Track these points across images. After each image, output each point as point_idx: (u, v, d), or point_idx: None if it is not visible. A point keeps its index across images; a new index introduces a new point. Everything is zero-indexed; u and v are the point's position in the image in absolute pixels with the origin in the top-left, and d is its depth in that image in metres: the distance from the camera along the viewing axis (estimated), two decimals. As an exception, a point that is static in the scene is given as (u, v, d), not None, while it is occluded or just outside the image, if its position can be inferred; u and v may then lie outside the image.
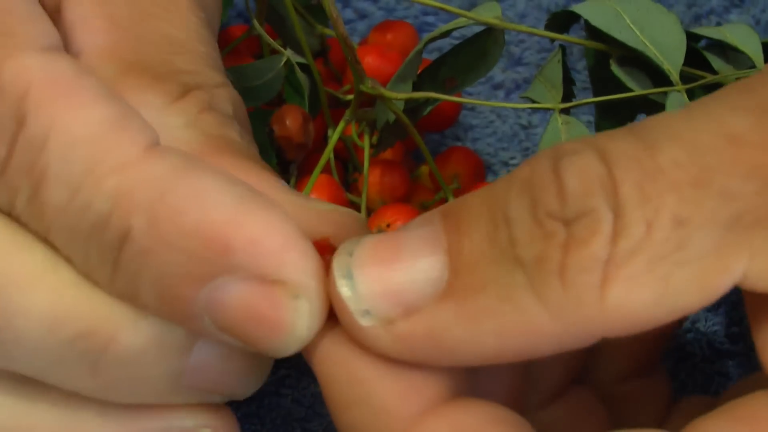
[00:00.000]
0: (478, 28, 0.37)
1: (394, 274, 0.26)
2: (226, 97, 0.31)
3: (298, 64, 0.41)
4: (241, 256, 0.26)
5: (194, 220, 0.26)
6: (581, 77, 0.45)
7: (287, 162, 0.41)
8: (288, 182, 0.41)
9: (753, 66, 0.36)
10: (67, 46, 0.31)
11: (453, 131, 0.47)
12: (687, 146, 0.25)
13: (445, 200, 0.41)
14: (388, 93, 0.37)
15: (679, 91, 0.35)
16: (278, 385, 0.40)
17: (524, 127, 0.47)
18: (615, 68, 0.34)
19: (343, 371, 0.27)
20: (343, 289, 0.26)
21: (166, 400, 0.29)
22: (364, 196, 0.41)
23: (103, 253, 0.26)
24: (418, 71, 0.38)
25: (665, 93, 0.35)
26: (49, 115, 0.26)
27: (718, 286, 0.25)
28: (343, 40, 0.35)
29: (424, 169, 0.44)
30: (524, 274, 0.25)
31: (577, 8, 0.36)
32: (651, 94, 0.35)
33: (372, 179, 0.42)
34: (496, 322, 0.25)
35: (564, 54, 0.37)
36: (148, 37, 0.31)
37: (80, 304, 0.27)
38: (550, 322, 0.25)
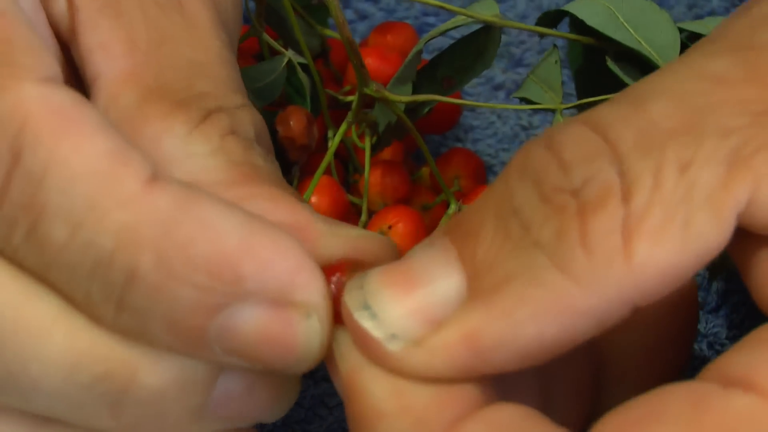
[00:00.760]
0: (477, 27, 0.37)
1: (413, 294, 0.26)
2: (248, 119, 0.31)
3: (299, 64, 0.41)
4: (252, 281, 0.26)
5: (203, 251, 0.25)
6: (567, 72, 0.45)
7: (290, 163, 0.41)
8: (291, 184, 0.41)
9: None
10: (84, 71, 0.30)
11: (453, 132, 0.47)
12: (673, 96, 0.25)
13: (446, 202, 0.41)
14: (392, 96, 0.37)
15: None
16: (278, 386, 0.40)
17: (525, 128, 0.47)
18: (611, 65, 0.34)
19: (376, 385, 0.26)
20: (364, 320, 0.26)
21: (191, 431, 0.28)
22: (365, 197, 0.41)
23: (107, 291, 0.26)
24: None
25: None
26: (47, 148, 0.25)
27: (730, 216, 0.25)
28: (348, 44, 0.35)
29: (425, 171, 0.44)
30: (545, 254, 0.25)
31: (570, 7, 0.36)
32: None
33: (373, 180, 0.42)
34: (528, 309, 0.25)
35: (559, 55, 0.37)
36: (168, 61, 0.30)
37: (96, 348, 0.26)
38: (582, 294, 0.25)
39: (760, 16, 0.27)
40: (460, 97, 0.46)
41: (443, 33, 0.37)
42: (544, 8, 0.50)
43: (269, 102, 0.42)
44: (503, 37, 0.48)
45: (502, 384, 0.27)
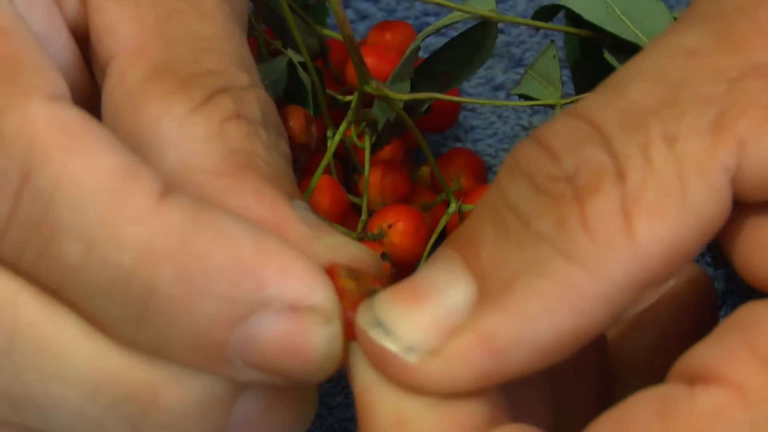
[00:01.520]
0: (474, 24, 0.37)
1: (423, 306, 0.26)
2: (254, 100, 0.30)
3: (299, 64, 0.41)
4: (273, 287, 0.25)
5: (222, 261, 0.25)
6: (566, 71, 0.45)
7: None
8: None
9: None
10: (99, 58, 0.30)
11: (454, 132, 0.47)
12: (651, 75, 0.26)
13: (446, 201, 0.41)
14: (392, 94, 0.37)
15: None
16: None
17: (525, 128, 0.47)
18: (608, 56, 0.34)
19: (384, 408, 0.26)
20: (380, 336, 0.26)
21: None
22: (365, 197, 0.41)
23: (126, 308, 0.25)
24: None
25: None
26: (56, 166, 0.25)
27: (722, 183, 0.25)
28: (348, 41, 0.35)
29: (425, 170, 0.44)
30: (549, 244, 0.25)
31: (565, 1, 0.36)
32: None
33: (373, 180, 0.42)
34: (540, 301, 0.25)
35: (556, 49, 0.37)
36: (174, 36, 0.30)
37: (118, 368, 0.26)
38: (591, 280, 0.24)
39: None
40: (459, 93, 0.46)
41: (441, 29, 0.37)
42: (543, 8, 0.50)
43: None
44: (503, 38, 0.48)
45: (512, 404, 0.27)
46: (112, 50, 0.30)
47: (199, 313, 0.25)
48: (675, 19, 0.35)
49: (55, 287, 0.26)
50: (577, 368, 0.30)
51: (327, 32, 0.44)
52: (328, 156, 0.40)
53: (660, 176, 0.24)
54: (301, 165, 0.42)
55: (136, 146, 0.28)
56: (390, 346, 0.26)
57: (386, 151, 0.43)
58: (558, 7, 0.36)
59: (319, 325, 0.26)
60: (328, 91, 0.43)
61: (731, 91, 0.25)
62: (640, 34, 0.34)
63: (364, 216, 0.41)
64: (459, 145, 0.46)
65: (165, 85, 0.29)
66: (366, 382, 0.26)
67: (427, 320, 0.26)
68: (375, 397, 0.26)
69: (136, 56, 0.29)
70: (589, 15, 0.35)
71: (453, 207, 0.40)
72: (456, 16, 0.36)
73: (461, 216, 0.41)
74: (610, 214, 0.24)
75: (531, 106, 0.44)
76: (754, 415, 0.24)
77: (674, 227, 0.24)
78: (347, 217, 0.41)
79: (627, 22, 0.34)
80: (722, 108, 0.25)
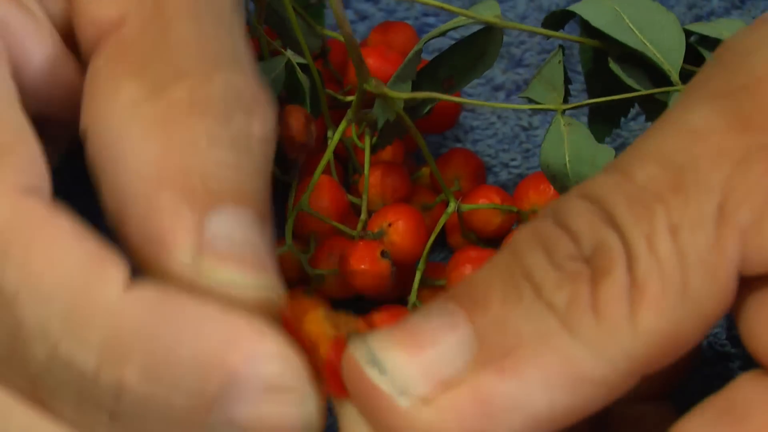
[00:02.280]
0: (478, 28, 0.37)
1: (422, 354, 0.26)
2: (219, 85, 0.28)
3: (299, 64, 0.41)
4: (243, 375, 0.25)
5: (189, 354, 0.25)
6: (581, 78, 0.45)
7: (288, 163, 0.41)
8: (290, 184, 0.41)
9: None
10: (83, 53, 0.30)
11: (453, 133, 0.47)
12: (656, 158, 0.26)
13: (446, 202, 0.41)
14: (391, 92, 0.37)
15: (679, 90, 0.35)
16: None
17: (525, 129, 0.47)
18: (614, 66, 0.34)
19: None
20: (375, 375, 0.26)
21: None
22: (364, 197, 0.41)
23: (98, 407, 0.25)
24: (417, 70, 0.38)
25: (667, 93, 0.35)
26: (18, 265, 0.25)
27: (728, 278, 0.25)
28: (348, 40, 0.35)
29: (425, 171, 0.44)
30: (557, 318, 0.25)
31: (575, 8, 0.36)
32: (652, 93, 0.35)
33: (373, 180, 0.42)
34: (539, 372, 0.25)
35: (563, 54, 0.37)
36: (148, 17, 0.29)
37: None
38: (591, 360, 0.25)
39: (733, 62, 0.27)
40: (459, 96, 0.46)
41: (444, 33, 0.37)
42: (544, 8, 0.50)
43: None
44: (503, 38, 0.48)
45: None
46: (91, 34, 0.29)
47: (171, 407, 0.25)
48: (684, 30, 0.35)
49: (27, 390, 0.26)
50: None
51: (327, 32, 0.44)
52: (327, 155, 0.40)
53: (663, 268, 0.25)
54: (301, 164, 0.42)
55: (92, 130, 0.28)
56: (384, 386, 0.26)
57: (386, 152, 0.43)
58: (568, 14, 0.36)
59: (295, 404, 0.26)
60: (328, 90, 0.43)
61: (734, 176, 0.25)
62: (648, 45, 0.34)
63: (363, 216, 0.41)
64: (459, 145, 0.46)
65: (123, 68, 0.28)
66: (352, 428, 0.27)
67: (425, 367, 0.26)
68: None
69: (107, 41, 0.29)
70: (597, 22, 0.35)
71: (452, 207, 0.40)
72: (460, 20, 0.36)
73: (460, 216, 0.41)
74: (618, 299, 0.25)
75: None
76: None
77: (674, 320, 0.25)
78: (347, 217, 0.41)
79: (636, 31, 0.34)
80: (725, 195, 0.25)
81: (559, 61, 0.36)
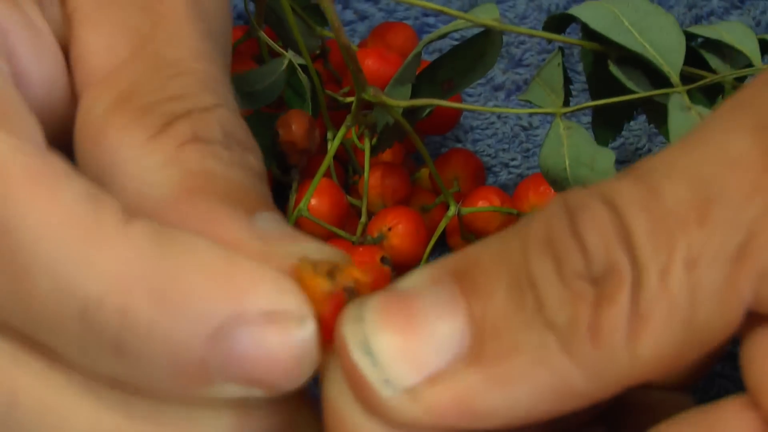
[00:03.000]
0: (478, 30, 0.37)
1: (412, 341, 0.26)
2: (215, 120, 0.30)
3: (299, 65, 0.41)
4: (247, 297, 0.25)
5: (195, 278, 0.25)
6: (581, 79, 0.45)
7: (289, 166, 0.41)
8: (290, 186, 0.41)
9: (750, 64, 0.36)
10: (74, 84, 0.30)
11: (453, 133, 0.47)
12: (688, 181, 0.25)
13: (445, 203, 0.41)
14: (389, 101, 0.37)
15: (679, 92, 0.35)
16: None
17: (525, 129, 0.47)
18: (613, 69, 0.34)
19: (350, 423, 0.26)
20: (361, 360, 0.26)
21: None
22: (364, 198, 0.41)
23: (102, 339, 0.25)
24: (416, 72, 0.38)
25: (667, 94, 0.35)
26: (18, 202, 0.25)
27: (736, 315, 0.25)
28: (344, 49, 0.35)
29: (425, 172, 0.44)
30: (555, 336, 0.25)
31: (575, 11, 0.36)
32: (652, 95, 0.35)
33: (372, 182, 0.42)
34: (529, 385, 0.25)
35: (563, 56, 0.37)
36: (142, 64, 0.30)
37: (119, 426, 0.26)
38: (584, 381, 0.25)
39: None
40: (459, 97, 0.46)
41: (443, 36, 0.37)
42: (543, 9, 0.50)
43: (268, 103, 0.41)
44: (503, 38, 0.48)
45: None
46: (84, 81, 0.30)
47: (177, 333, 0.25)
48: (684, 32, 0.35)
49: (31, 332, 0.26)
50: None
51: (327, 33, 0.44)
52: (328, 159, 0.40)
53: (672, 301, 0.25)
54: (301, 168, 0.42)
55: (98, 179, 0.28)
56: (369, 373, 0.26)
57: (386, 153, 0.43)
58: (568, 17, 0.36)
59: (293, 328, 0.26)
60: (328, 91, 0.43)
61: (763, 216, 0.25)
62: (647, 46, 0.34)
63: (363, 219, 0.41)
64: (459, 145, 0.46)
65: (125, 116, 0.29)
66: (334, 393, 0.26)
67: (412, 355, 0.26)
68: (340, 411, 0.26)
69: (103, 88, 0.29)
70: (597, 25, 0.34)
71: (452, 210, 0.40)
72: (459, 23, 0.36)
73: (460, 219, 0.41)
74: (618, 325, 0.25)
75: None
76: None
77: (674, 348, 0.25)
78: (347, 219, 0.41)
79: (635, 33, 0.34)
80: (751, 234, 0.25)
81: (558, 64, 0.36)
